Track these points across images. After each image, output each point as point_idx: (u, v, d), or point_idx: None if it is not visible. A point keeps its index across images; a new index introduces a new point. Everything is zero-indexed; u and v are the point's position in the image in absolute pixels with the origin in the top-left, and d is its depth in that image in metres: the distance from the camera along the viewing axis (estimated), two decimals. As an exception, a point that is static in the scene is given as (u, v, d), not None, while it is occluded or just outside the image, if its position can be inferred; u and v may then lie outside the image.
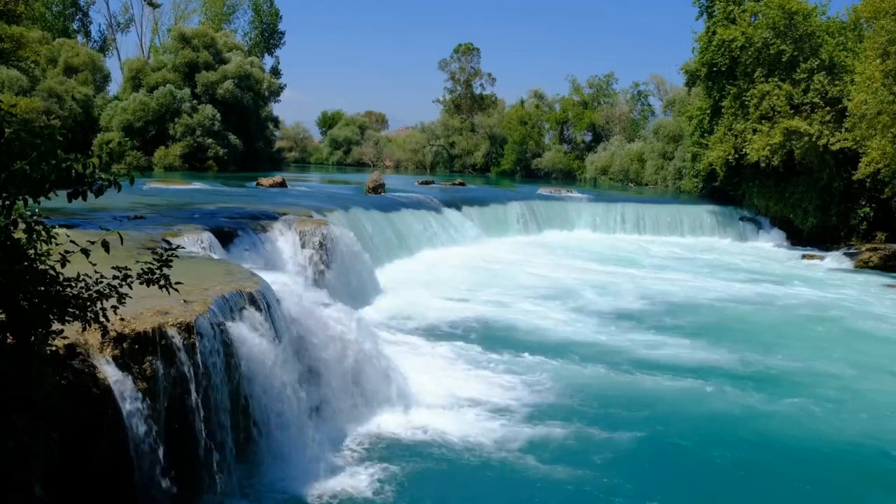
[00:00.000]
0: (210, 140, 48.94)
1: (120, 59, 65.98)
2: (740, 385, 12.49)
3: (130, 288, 5.39)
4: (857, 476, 9.51)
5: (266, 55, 70.94)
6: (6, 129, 4.62)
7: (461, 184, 42.19)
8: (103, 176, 4.81)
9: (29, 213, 4.79)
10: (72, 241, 5.02)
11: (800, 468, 9.60)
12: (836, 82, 30.41)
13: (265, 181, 31.80)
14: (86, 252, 4.98)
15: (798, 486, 9.13)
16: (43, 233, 4.84)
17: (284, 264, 15.30)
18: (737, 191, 36.27)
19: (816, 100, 30.57)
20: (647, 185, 53.57)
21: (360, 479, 8.50)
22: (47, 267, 4.91)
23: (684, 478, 9.30)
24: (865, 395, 12.41)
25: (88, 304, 5.10)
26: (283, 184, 31.68)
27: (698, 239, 33.70)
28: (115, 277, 5.33)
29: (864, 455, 10.05)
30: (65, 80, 49.47)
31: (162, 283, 5.49)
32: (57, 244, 4.94)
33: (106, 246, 4.87)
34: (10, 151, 4.53)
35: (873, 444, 10.34)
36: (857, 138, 27.22)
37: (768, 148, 30.85)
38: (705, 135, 36.58)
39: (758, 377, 13.03)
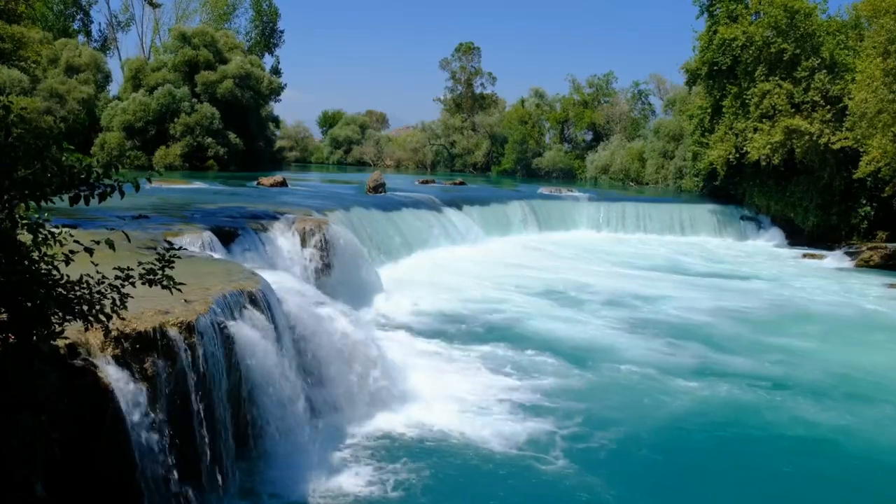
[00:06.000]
0: (210, 139, 48.89)
1: (120, 58, 65.88)
2: (750, 388, 12.51)
3: (134, 286, 5.39)
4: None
5: (266, 54, 70.77)
6: (14, 131, 4.63)
7: (462, 183, 42.16)
8: (106, 181, 4.81)
9: (36, 215, 4.79)
10: (76, 241, 5.03)
11: (795, 466, 9.62)
12: (837, 81, 30.40)
13: (266, 180, 31.79)
14: (90, 251, 4.98)
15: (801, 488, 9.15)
16: (48, 235, 4.84)
17: (285, 263, 15.29)
18: (737, 190, 36.24)
19: (817, 98, 30.56)
20: (647, 184, 53.53)
21: (360, 478, 8.51)
22: (50, 268, 4.91)
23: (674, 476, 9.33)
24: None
25: (88, 305, 5.10)
26: (283, 183, 31.68)
27: (699, 238, 33.71)
28: (116, 278, 5.33)
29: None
30: (66, 79, 49.40)
31: (165, 283, 5.49)
32: (62, 245, 4.95)
33: (111, 244, 4.88)
34: (14, 154, 4.53)
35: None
36: (858, 137, 27.22)
37: (769, 147, 30.84)
38: (706, 134, 36.53)
39: (760, 375, 13.04)
